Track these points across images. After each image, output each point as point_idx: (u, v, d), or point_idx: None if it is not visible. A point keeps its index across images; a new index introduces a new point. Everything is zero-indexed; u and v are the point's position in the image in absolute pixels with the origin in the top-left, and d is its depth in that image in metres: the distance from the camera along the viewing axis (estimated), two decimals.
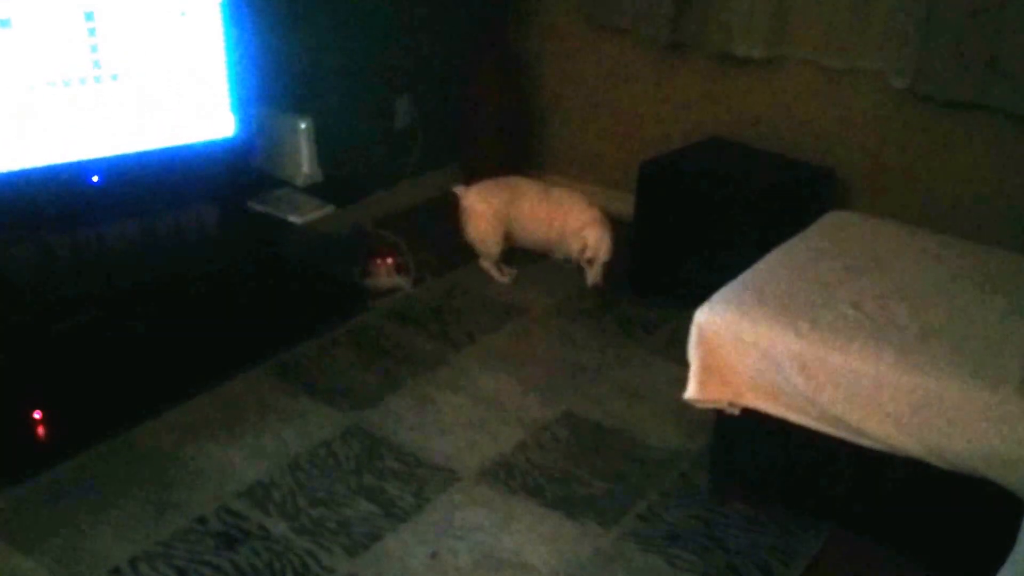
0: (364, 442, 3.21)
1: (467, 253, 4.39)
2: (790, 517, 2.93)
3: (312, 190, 3.85)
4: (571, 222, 4.12)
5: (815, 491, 2.89)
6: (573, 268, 4.20)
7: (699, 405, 2.86)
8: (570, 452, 3.24)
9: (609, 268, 4.08)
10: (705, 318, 2.78)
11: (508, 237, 4.28)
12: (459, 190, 4.30)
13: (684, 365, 2.89)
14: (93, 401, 3.25)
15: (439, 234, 4.55)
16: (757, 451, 2.93)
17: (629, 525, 2.91)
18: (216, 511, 2.90)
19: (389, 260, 4.23)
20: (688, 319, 2.85)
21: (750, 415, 2.81)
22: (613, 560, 2.77)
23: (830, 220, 3.39)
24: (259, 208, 3.71)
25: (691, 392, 2.83)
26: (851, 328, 2.66)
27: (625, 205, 4.34)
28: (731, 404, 2.82)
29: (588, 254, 4.04)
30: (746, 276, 2.94)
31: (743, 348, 2.72)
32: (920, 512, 2.71)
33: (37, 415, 3.06)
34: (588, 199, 4.25)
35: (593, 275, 4.05)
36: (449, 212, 4.42)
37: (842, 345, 2.62)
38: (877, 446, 2.60)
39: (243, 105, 3.59)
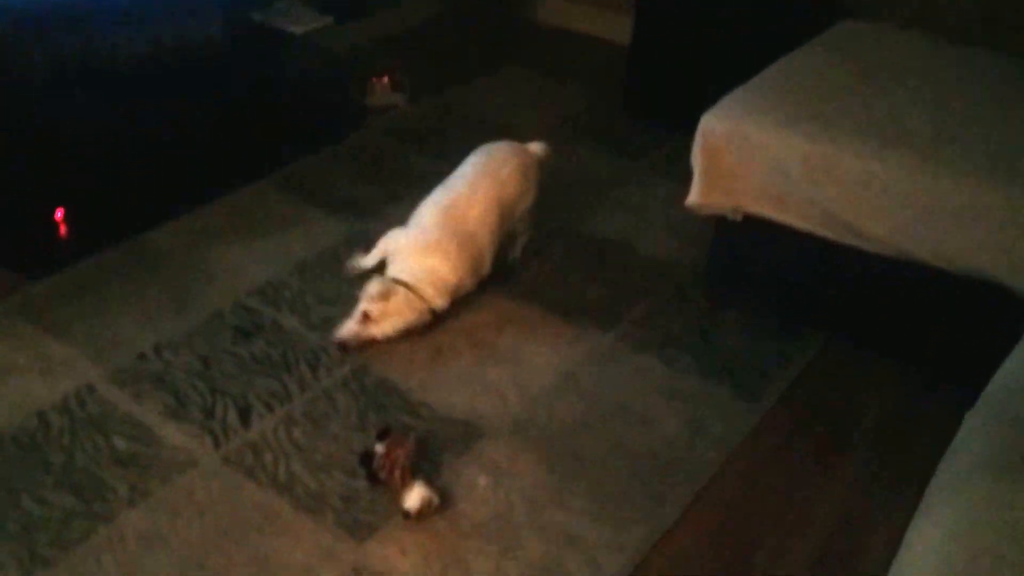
0: (367, 248, 3.30)
1: (465, 72, 4.43)
2: (786, 325, 3.07)
3: (314, 3, 3.85)
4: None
5: (813, 298, 2.99)
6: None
7: (701, 212, 2.94)
8: (567, 262, 3.36)
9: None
10: (711, 122, 2.81)
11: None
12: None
13: (681, 182, 2.99)
14: (109, 204, 3.35)
15: (435, 54, 4.58)
16: (756, 259, 3.02)
17: (625, 329, 3.05)
18: (231, 307, 3.03)
19: (386, 78, 4.27)
20: (685, 142, 2.92)
21: (752, 222, 2.88)
22: (609, 359, 2.92)
23: (841, 29, 3.35)
24: (260, 19, 3.72)
25: (693, 198, 2.90)
26: (862, 131, 2.68)
27: (620, 29, 4.33)
28: (733, 210, 2.88)
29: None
30: (754, 81, 2.95)
31: (749, 152, 2.75)
32: (919, 317, 2.80)
33: (59, 214, 3.14)
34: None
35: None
36: (447, 33, 4.42)
37: (853, 148, 2.64)
38: (883, 251, 2.67)
39: None
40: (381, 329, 2.84)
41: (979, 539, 1.55)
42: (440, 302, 2.93)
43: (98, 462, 2.46)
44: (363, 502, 2.39)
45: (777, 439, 2.67)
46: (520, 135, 3.40)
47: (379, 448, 2.41)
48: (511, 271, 3.26)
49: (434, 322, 2.95)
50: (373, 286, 2.84)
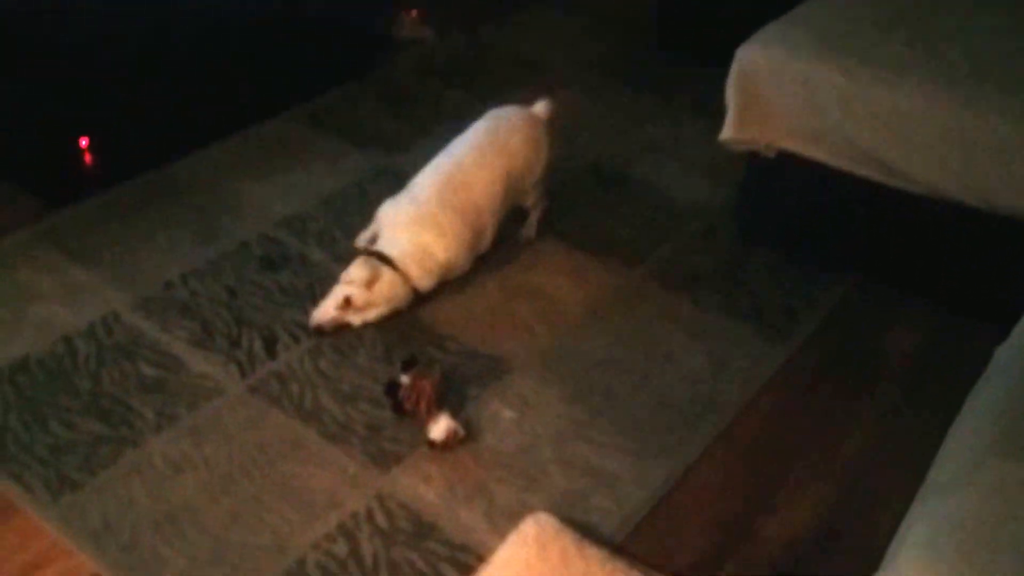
0: (394, 183, 3.27)
1: (496, 8, 4.38)
2: (816, 265, 3.03)
3: None
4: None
5: (843, 238, 2.96)
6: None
7: (734, 148, 2.90)
8: (596, 199, 3.33)
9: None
10: (747, 55, 2.76)
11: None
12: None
13: (713, 121, 2.94)
14: (134, 134, 3.33)
15: None
16: (788, 197, 2.98)
17: (653, 266, 3.03)
18: (258, 238, 3.03)
19: (415, 12, 4.22)
20: (717, 79, 2.87)
21: (785, 158, 2.83)
22: (637, 296, 2.91)
23: None
24: None
25: (727, 133, 2.85)
26: (902, 66, 2.62)
27: None
28: (767, 146, 2.84)
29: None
30: (792, 14, 2.89)
31: (785, 85, 2.71)
32: (951, 257, 2.77)
33: (84, 142, 3.13)
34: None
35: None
36: None
37: (892, 83, 2.59)
38: (917, 189, 2.64)
39: None
40: (362, 316, 2.66)
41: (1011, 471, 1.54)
42: (426, 283, 2.73)
43: (125, 388, 2.47)
44: (388, 432, 2.39)
45: (803, 379, 2.65)
46: (550, 72, 3.36)
47: (405, 379, 2.40)
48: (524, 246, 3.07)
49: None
50: (357, 269, 2.61)
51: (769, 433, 2.49)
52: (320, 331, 2.63)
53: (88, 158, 3.17)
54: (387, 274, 2.64)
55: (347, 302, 2.61)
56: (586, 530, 2.13)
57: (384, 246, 2.71)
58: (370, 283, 2.61)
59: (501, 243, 2.97)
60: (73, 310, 2.70)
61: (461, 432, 2.35)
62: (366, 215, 2.97)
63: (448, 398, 2.44)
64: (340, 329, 2.67)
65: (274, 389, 2.49)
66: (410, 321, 2.71)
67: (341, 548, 2.13)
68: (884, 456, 2.43)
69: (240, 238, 3.01)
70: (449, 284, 2.83)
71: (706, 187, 3.38)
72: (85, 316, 2.68)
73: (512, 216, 3.00)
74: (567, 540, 2.04)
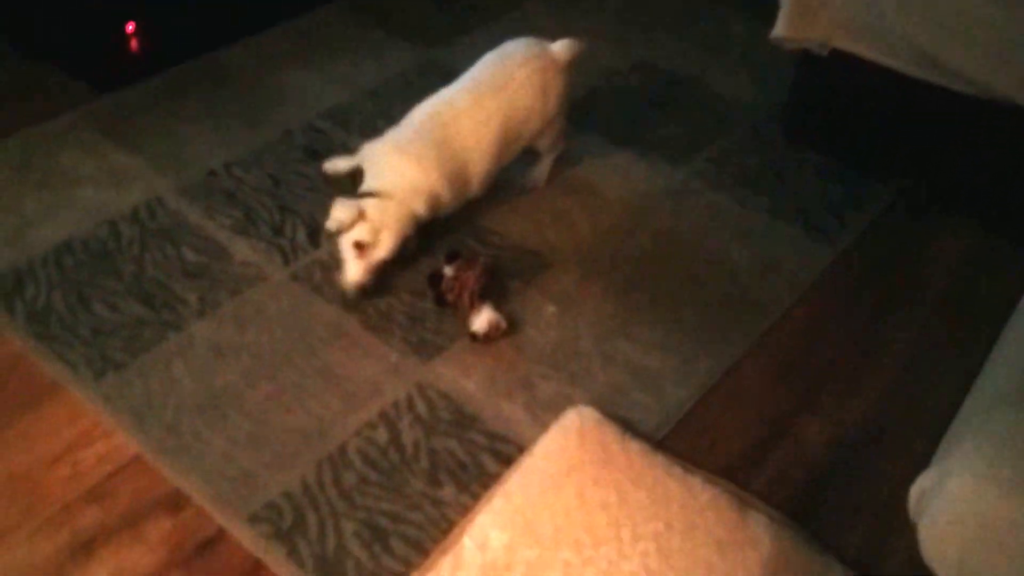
0: (439, 76, 3.20)
1: None
2: (864, 169, 2.97)
3: None
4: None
5: (894, 143, 2.90)
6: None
7: (786, 45, 2.82)
8: (644, 97, 3.28)
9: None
10: None
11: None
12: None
13: (762, 21, 2.86)
14: (181, 21, 3.28)
15: None
16: (839, 98, 2.91)
17: (699, 166, 2.98)
18: (302, 128, 3.00)
19: None
20: None
21: (837, 57, 2.76)
22: (682, 195, 2.86)
23: None
24: None
25: (779, 30, 2.77)
26: None
27: None
28: (820, 44, 2.76)
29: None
30: None
31: None
32: (1002, 170, 2.71)
33: (131, 28, 3.09)
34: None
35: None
36: None
37: None
38: (974, 91, 2.56)
39: None
40: (384, 247, 2.39)
41: None
42: (418, 205, 2.44)
43: (168, 273, 2.47)
44: (430, 323, 2.39)
45: (848, 282, 2.61)
46: None
47: (448, 271, 2.39)
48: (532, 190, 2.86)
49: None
50: (338, 210, 2.35)
51: (813, 335, 2.46)
52: (364, 291, 2.42)
53: (134, 44, 3.13)
54: (370, 202, 2.36)
55: (359, 246, 2.35)
56: (627, 425, 2.12)
57: (367, 184, 2.45)
58: (355, 215, 2.33)
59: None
60: (117, 194, 2.70)
61: (503, 324, 2.34)
62: (409, 107, 2.91)
63: (491, 291, 2.42)
64: (378, 273, 2.43)
65: (317, 277, 2.49)
66: (454, 215, 2.67)
67: (382, 435, 2.13)
68: (927, 362, 2.40)
69: (284, 127, 2.99)
70: (493, 180, 2.79)
71: (754, 86, 3.32)
72: (129, 200, 2.68)
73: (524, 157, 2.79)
74: (609, 433, 2.04)
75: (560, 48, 2.67)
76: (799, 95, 3.00)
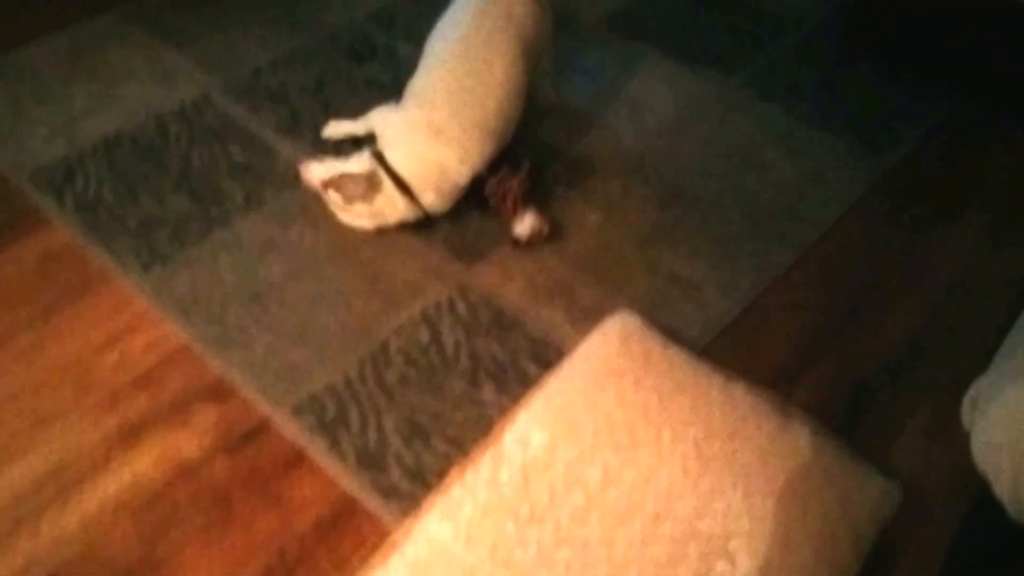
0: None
1: None
2: (918, 82, 2.92)
3: None
4: None
5: (950, 55, 2.84)
6: None
7: None
8: (691, 7, 3.22)
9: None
10: None
11: None
12: None
13: None
14: None
15: None
16: (895, 8, 2.86)
17: (749, 76, 2.93)
18: (347, 29, 2.98)
19: None
20: None
21: None
22: (730, 105, 2.83)
23: None
24: None
25: None
26: None
27: None
28: None
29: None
30: None
31: None
32: None
33: None
34: None
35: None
36: None
37: None
38: None
39: None
40: (344, 214, 2.29)
41: None
42: (439, 207, 2.32)
43: (214, 169, 2.48)
44: (473, 228, 2.39)
45: (898, 197, 2.58)
46: None
47: (492, 177, 2.37)
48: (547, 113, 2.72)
49: None
50: (355, 163, 2.22)
51: (859, 250, 2.44)
52: (296, 176, 2.30)
53: None
54: (390, 189, 2.23)
55: (329, 184, 2.21)
56: (669, 333, 2.12)
57: (393, 160, 2.24)
58: (365, 186, 2.20)
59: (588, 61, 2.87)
60: (165, 90, 2.70)
61: (546, 229, 2.33)
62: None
63: (534, 196, 2.40)
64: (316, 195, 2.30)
65: None
66: None
67: (423, 334, 2.14)
68: (974, 281, 2.38)
69: (329, 29, 2.97)
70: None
71: None
72: (176, 96, 2.68)
73: None
74: (650, 339, 2.04)
75: None
76: (855, 6, 2.96)
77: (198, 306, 2.15)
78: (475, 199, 2.40)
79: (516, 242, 2.32)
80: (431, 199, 2.28)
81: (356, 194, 2.21)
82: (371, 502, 1.83)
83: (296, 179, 2.36)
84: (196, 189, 2.41)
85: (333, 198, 2.24)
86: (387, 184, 2.23)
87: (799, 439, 1.88)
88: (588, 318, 2.18)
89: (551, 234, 2.36)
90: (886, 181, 2.61)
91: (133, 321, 2.11)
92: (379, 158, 2.25)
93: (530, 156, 2.52)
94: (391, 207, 2.26)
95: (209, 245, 2.29)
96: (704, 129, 2.72)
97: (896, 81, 2.92)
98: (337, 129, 2.53)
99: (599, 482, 1.79)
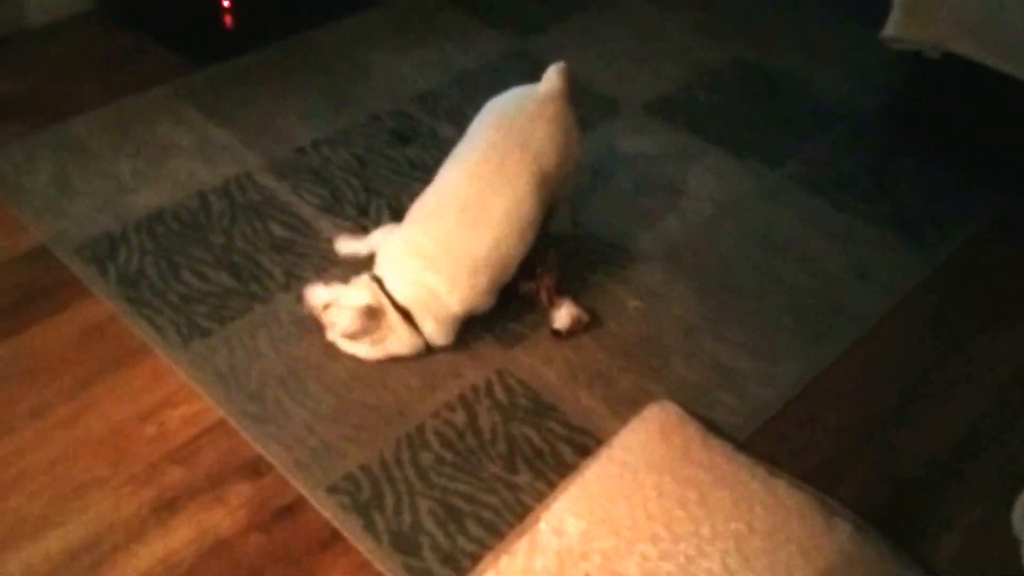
0: (529, 66, 3.23)
1: None
2: (970, 178, 2.91)
3: None
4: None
5: (1003, 151, 2.83)
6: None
7: (897, 46, 2.75)
8: (737, 96, 3.23)
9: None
10: None
11: None
12: None
13: (868, 26, 2.83)
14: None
15: None
16: (947, 102, 2.86)
17: (795, 168, 2.93)
18: (390, 111, 3.01)
19: None
20: None
21: (949, 61, 2.69)
22: (776, 197, 2.82)
23: None
24: None
25: (890, 30, 2.71)
26: None
27: None
28: (933, 46, 2.69)
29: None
30: None
31: None
32: None
33: (227, 3, 3.12)
34: None
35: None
36: None
37: None
38: None
39: None
40: (343, 341, 2.20)
41: None
42: (442, 339, 2.21)
43: (256, 246, 2.49)
44: (511, 312, 2.37)
45: (947, 295, 2.55)
46: None
47: (522, 277, 2.34)
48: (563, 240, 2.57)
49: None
50: (356, 292, 2.14)
51: (906, 346, 2.41)
52: (301, 305, 2.22)
53: (230, 20, 3.16)
54: (394, 321, 2.14)
55: (327, 312, 2.16)
56: (709, 424, 2.09)
57: (387, 279, 2.17)
58: (368, 320, 2.12)
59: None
60: (209, 167, 2.72)
61: (585, 318, 2.32)
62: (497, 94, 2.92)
63: (572, 284, 2.40)
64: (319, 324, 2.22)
65: None
66: None
67: (460, 417, 2.12)
68: None
69: (372, 110, 3.00)
70: (581, 174, 2.76)
71: (855, 89, 3.26)
72: (220, 173, 2.70)
73: None
74: (691, 429, 2.01)
75: (552, 78, 2.32)
76: (906, 97, 2.95)
77: (236, 381, 2.14)
78: (511, 293, 2.35)
79: (557, 334, 2.30)
80: (431, 328, 2.17)
81: (356, 328, 2.12)
82: None
83: (335, 255, 2.37)
84: (237, 265, 2.42)
85: (331, 326, 2.16)
86: (390, 313, 2.13)
87: (842, 536, 1.84)
88: (627, 406, 2.15)
89: (590, 321, 2.34)
90: (935, 277, 2.59)
91: (171, 394, 2.10)
92: (378, 283, 2.17)
93: (571, 242, 2.51)
94: (394, 337, 2.16)
95: (248, 321, 2.28)
96: (748, 219, 2.71)
97: (946, 174, 2.91)
98: (346, 246, 2.44)
99: (636, 575, 1.74)
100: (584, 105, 2.97)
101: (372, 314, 2.11)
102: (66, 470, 1.95)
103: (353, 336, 2.15)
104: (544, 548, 1.77)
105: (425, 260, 2.14)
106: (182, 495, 1.92)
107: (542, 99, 2.30)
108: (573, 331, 2.30)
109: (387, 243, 2.24)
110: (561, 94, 2.32)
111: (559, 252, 2.42)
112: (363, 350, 2.19)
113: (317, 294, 2.20)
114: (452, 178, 2.24)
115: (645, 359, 2.29)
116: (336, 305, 2.14)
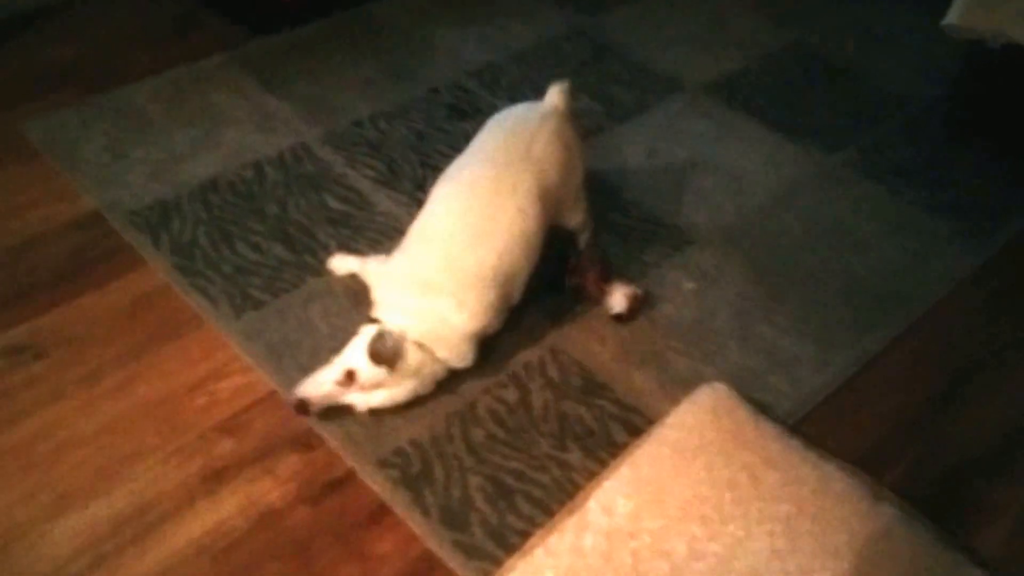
0: (589, 45, 3.22)
1: None
2: None
3: None
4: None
5: None
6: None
7: (956, 35, 2.71)
8: (797, 81, 3.19)
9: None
10: None
11: None
12: None
13: (929, 14, 2.79)
14: None
15: None
16: (1007, 94, 2.80)
17: (853, 154, 2.89)
18: (448, 85, 3.00)
19: None
20: None
21: (1010, 50, 2.64)
22: (832, 182, 2.78)
23: None
24: None
25: (952, 18, 2.67)
26: None
27: None
28: (994, 36, 2.64)
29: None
30: None
31: None
32: None
33: None
34: None
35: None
36: None
37: None
38: None
39: None
40: (368, 400, 2.01)
41: None
42: (460, 361, 2.08)
43: (311, 217, 2.50)
44: (567, 291, 2.35)
45: (1001, 284, 2.51)
46: None
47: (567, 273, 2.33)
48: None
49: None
50: (374, 338, 1.97)
51: (957, 335, 2.37)
52: (302, 409, 1.96)
53: None
54: (414, 353, 1.99)
55: (349, 376, 1.96)
56: (760, 407, 2.07)
57: (393, 320, 2.02)
58: (390, 358, 1.96)
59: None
60: (264, 137, 2.73)
61: (640, 293, 2.30)
62: (557, 73, 2.88)
63: (628, 265, 2.39)
64: (331, 408, 2.02)
65: None
66: (595, 182, 2.63)
67: (512, 394, 2.12)
68: None
69: (431, 84, 3.00)
70: (638, 148, 2.75)
71: (915, 78, 3.22)
72: (276, 144, 2.71)
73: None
74: (742, 412, 1.99)
75: (555, 96, 2.31)
76: (966, 87, 2.91)
77: (288, 353, 2.15)
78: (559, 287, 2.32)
79: (619, 318, 2.28)
80: (445, 353, 2.04)
81: (376, 381, 1.99)
82: (452, 560, 1.80)
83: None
84: (291, 237, 2.43)
85: (360, 380, 1.98)
86: (409, 349, 1.98)
87: (889, 521, 1.82)
88: (679, 387, 2.14)
89: (645, 299, 2.32)
90: (990, 267, 2.55)
91: (223, 366, 2.12)
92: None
93: (625, 222, 2.49)
94: (419, 371, 2.02)
95: (302, 293, 2.29)
96: (805, 204, 2.68)
97: (1003, 165, 2.86)
98: (343, 264, 2.34)
99: (684, 555, 1.73)
100: (643, 85, 2.97)
101: (392, 356, 1.96)
102: (114, 439, 1.96)
103: (375, 385, 1.99)
104: (593, 527, 1.77)
105: (423, 287, 2.05)
106: (231, 466, 1.93)
107: (544, 116, 2.26)
108: (633, 309, 2.29)
109: (382, 282, 2.14)
110: (563, 112, 2.29)
111: (598, 245, 2.40)
112: (386, 400, 2.03)
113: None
114: (450, 195, 2.16)
115: (698, 341, 2.27)
116: (345, 372, 1.98)
